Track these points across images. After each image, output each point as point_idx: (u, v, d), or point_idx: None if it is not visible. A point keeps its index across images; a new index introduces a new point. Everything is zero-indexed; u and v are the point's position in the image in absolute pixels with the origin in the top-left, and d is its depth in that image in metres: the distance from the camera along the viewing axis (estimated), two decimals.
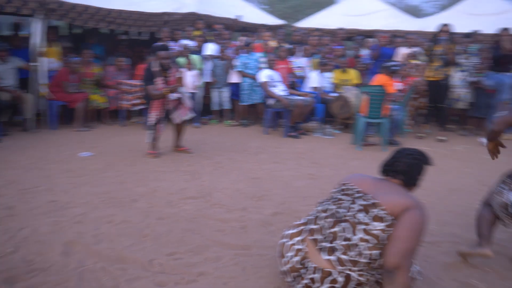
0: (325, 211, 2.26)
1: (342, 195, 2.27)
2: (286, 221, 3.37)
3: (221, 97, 7.59)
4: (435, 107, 7.01)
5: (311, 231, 2.24)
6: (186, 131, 5.57)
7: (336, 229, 2.15)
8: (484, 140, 6.16)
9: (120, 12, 7.14)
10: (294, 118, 6.69)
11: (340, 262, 2.08)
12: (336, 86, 7.52)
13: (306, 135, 6.88)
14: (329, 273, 2.09)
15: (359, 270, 2.08)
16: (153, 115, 5.07)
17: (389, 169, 2.29)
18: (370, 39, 8.53)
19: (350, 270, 2.07)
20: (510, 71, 6.09)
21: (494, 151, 2.78)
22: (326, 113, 7.23)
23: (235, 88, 7.47)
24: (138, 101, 6.83)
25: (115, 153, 5.30)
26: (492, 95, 6.74)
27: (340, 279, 2.07)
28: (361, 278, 2.09)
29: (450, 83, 6.86)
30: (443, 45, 6.51)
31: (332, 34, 8.94)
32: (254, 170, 4.80)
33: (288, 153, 5.66)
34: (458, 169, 5.16)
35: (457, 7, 10.70)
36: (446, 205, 3.92)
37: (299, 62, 7.58)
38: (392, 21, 10.16)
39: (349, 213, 2.16)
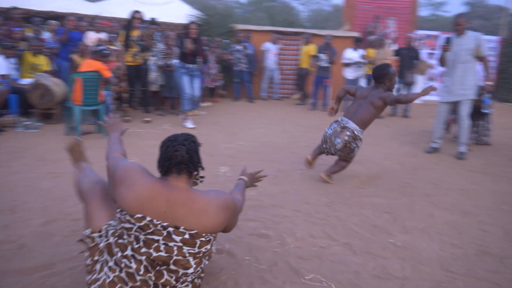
0: (140, 262, 1.94)
1: (146, 234, 1.94)
2: (66, 227, 3.05)
3: None
4: (137, 91, 7.33)
5: (143, 283, 1.95)
6: None
7: (166, 277, 1.97)
8: (187, 124, 6.98)
9: None
10: None
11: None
12: (26, 72, 6.71)
13: (4, 131, 5.90)
14: None
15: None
16: None
17: (171, 164, 1.99)
18: (53, 22, 7.94)
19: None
20: (196, 63, 6.96)
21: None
22: (22, 103, 6.38)
23: None
24: None
25: None
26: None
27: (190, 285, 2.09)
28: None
29: (148, 67, 7.32)
30: (140, 31, 6.84)
31: (5, 13, 7.78)
32: None
33: (1, 154, 4.78)
34: None
35: None
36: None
37: None
38: (67, 3, 9.70)
39: (174, 254, 1.96)
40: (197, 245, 1.99)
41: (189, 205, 1.97)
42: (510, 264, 2.81)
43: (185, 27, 6.90)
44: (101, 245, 2.07)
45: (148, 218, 1.92)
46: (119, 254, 1.97)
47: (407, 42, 8.93)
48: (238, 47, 10.20)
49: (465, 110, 5.70)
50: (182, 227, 1.95)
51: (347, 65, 9.42)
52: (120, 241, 1.99)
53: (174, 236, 1.94)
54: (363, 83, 9.73)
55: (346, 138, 4.15)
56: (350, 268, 2.65)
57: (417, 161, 5.47)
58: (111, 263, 1.98)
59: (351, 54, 9.38)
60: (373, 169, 4.97)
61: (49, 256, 2.61)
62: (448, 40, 5.50)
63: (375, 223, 3.39)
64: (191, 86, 6.98)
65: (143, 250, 1.94)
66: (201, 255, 2.03)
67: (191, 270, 2.01)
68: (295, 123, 7.82)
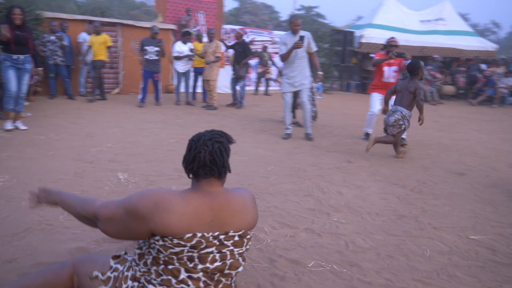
0: (198, 279, 1.82)
1: (200, 250, 1.81)
2: None
3: None
4: None
5: None
6: None
7: (224, 282, 1.91)
8: (19, 125, 6.00)
9: None
10: None
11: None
12: None
13: None
14: None
15: None
16: None
17: (194, 167, 1.85)
18: None
19: None
20: (25, 54, 5.94)
21: None
22: None
23: None
24: None
25: None
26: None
27: None
28: None
29: None
30: None
31: None
32: None
33: None
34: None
35: None
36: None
37: None
38: None
39: (228, 259, 1.88)
40: (245, 244, 1.96)
41: (229, 207, 1.90)
42: (423, 221, 3.57)
43: (8, 12, 5.83)
44: (132, 274, 1.90)
45: (199, 235, 1.81)
46: (173, 281, 1.81)
47: (238, 36, 9.50)
48: (52, 37, 9.06)
49: (305, 97, 6.62)
50: (231, 231, 1.89)
51: (178, 58, 9.46)
52: (169, 267, 1.82)
53: (225, 242, 1.88)
54: (192, 75, 9.94)
55: (397, 116, 5.57)
56: (331, 249, 2.94)
57: (282, 147, 6.07)
58: None
59: (181, 47, 9.45)
60: (255, 158, 5.31)
61: None
62: (301, 38, 6.23)
63: (309, 207, 3.75)
64: (17, 82, 6.02)
65: (200, 266, 1.83)
66: (245, 252, 2.00)
67: (241, 269, 1.98)
68: (143, 120, 7.53)
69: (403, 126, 5.60)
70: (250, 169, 4.79)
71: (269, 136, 6.76)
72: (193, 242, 1.79)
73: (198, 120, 7.87)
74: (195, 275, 1.82)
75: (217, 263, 1.85)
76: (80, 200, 2.09)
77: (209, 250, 1.83)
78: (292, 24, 6.50)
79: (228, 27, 13.57)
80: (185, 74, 9.71)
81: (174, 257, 1.80)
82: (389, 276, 2.64)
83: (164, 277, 1.82)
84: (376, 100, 6.89)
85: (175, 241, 1.77)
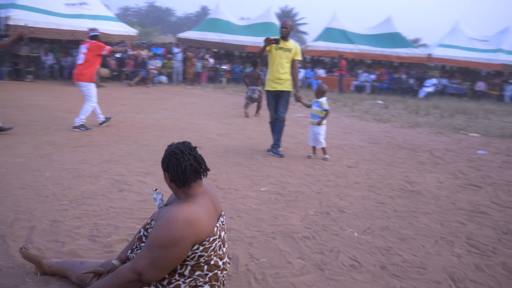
0: (226, 262, 2.29)
1: (221, 236, 2.26)
2: None
3: None
4: None
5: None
6: None
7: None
8: None
9: None
10: None
11: None
12: None
13: None
14: None
15: None
16: None
17: (187, 175, 2.12)
18: None
19: None
20: None
21: None
22: None
23: None
24: None
25: None
26: None
27: None
28: None
29: None
30: None
31: None
32: None
33: None
34: None
35: None
36: None
37: None
38: None
39: (225, 234, 2.37)
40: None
41: (215, 196, 2.34)
42: (291, 192, 4.52)
43: None
44: (176, 286, 2.13)
45: (218, 225, 2.23)
46: (218, 272, 2.20)
47: None
48: None
49: None
50: (221, 212, 2.35)
51: None
52: (212, 262, 2.17)
53: (223, 221, 2.34)
54: None
55: (258, 92, 9.89)
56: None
57: (25, 150, 5.52)
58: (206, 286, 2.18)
59: None
60: (35, 159, 4.78)
61: None
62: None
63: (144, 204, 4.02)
64: None
65: (224, 249, 2.28)
66: None
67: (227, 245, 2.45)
68: None
69: (262, 96, 9.54)
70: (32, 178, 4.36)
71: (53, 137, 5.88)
72: (218, 232, 2.19)
73: None
74: (225, 259, 2.25)
75: (226, 240, 2.35)
76: (111, 276, 2.10)
77: (223, 233, 2.30)
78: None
79: None
80: None
81: (212, 253, 2.16)
82: (299, 255, 3.09)
83: (211, 273, 2.16)
84: (95, 90, 7.11)
85: (211, 239, 2.13)
